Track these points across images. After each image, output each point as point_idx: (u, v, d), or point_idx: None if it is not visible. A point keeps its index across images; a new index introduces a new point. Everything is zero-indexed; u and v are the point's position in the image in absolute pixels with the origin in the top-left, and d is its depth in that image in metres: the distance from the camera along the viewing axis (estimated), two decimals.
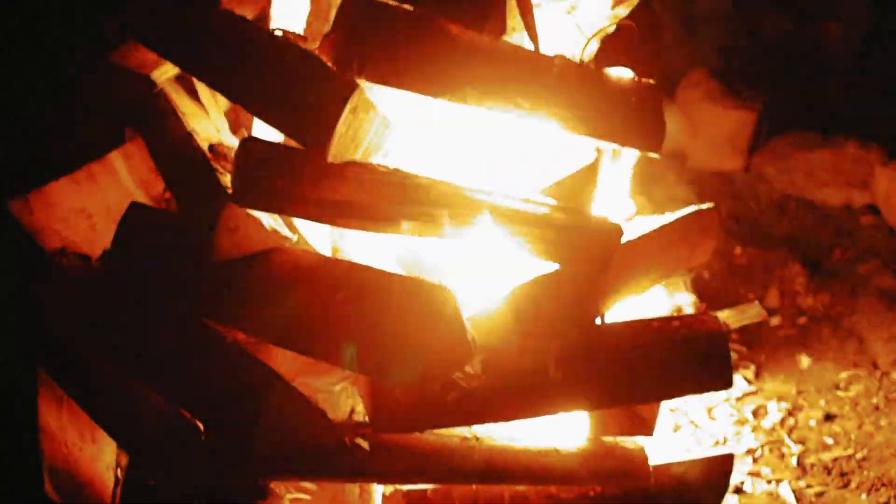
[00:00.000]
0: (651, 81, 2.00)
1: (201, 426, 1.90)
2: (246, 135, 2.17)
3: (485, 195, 1.76)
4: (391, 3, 1.75)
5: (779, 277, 4.04)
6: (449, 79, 1.76)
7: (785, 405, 3.37)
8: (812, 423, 3.30)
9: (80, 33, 2.24)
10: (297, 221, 1.94)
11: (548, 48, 1.98)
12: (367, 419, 1.92)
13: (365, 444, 1.88)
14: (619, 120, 1.95)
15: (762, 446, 3.19)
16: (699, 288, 3.85)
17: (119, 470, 2.22)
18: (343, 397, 2.06)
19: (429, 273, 1.84)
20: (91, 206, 2.14)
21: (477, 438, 1.99)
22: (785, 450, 3.17)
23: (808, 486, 3.02)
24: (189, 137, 1.99)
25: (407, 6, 1.75)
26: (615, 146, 2.02)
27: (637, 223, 2.24)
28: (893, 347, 3.60)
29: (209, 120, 2.17)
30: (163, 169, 2.09)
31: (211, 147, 1.96)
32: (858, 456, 3.14)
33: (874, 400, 3.38)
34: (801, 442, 3.21)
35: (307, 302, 1.75)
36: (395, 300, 1.73)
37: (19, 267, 2.08)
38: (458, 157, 1.97)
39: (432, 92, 1.76)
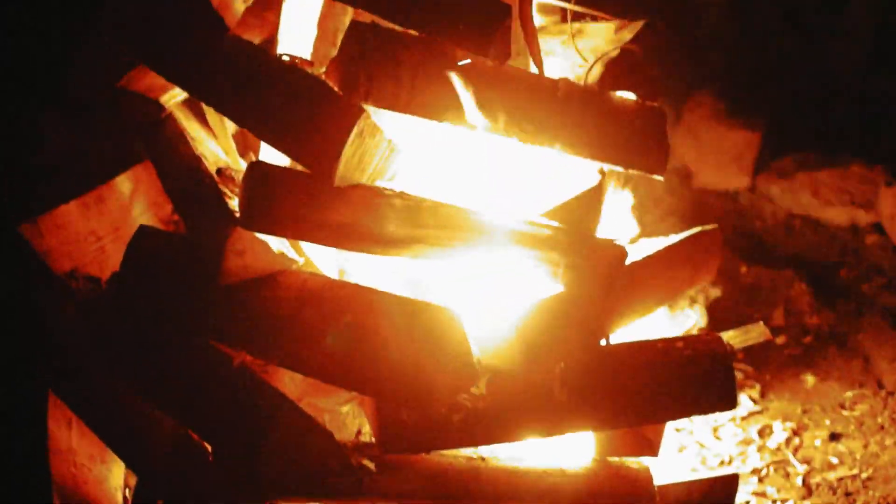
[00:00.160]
0: (655, 104, 2.02)
1: (209, 447, 1.91)
2: (254, 158, 2.19)
3: (490, 218, 1.78)
4: (397, 28, 1.77)
5: (784, 297, 4.04)
6: (454, 103, 1.77)
7: (790, 425, 3.37)
8: (817, 442, 3.30)
9: (91, 56, 2.26)
10: (303, 244, 1.96)
11: (552, 72, 1.99)
12: (373, 440, 1.93)
13: (371, 465, 1.89)
14: (622, 143, 1.96)
15: (767, 466, 3.19)
16: (703, 307, 3.85)
17: (128, 490, 2.23)
18: (349, 418, 2.08)
19: (434, 295, 1.86)
20: (100, 228, 2.16)
21: (483, 459, 2.00)
22: (790, 469, 3.17)
23: None
24: (197, 161, 2.01)
25: (412, 31, 1.77)
26: (619, 168, 2.03)
27: (641, 245, 2.25)
28: None
29: (217, 143, 2.19)
30: (171, 192, 2.10)
31: (219, 170, 1.97)
32: (864, 475, 3.13)
33: (879, 419, 3.38)
34: (807, 461, 3.21)
35: (314, 324, 1.77)
36: (401, 322, 1.74)
37: (30, 289, 2.10)
38: (464, 179, 1.98)
39: (437, 116, 1.78)
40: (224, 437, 1.84)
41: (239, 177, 1.88)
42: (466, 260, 1.78)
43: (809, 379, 3.59)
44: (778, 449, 3.27)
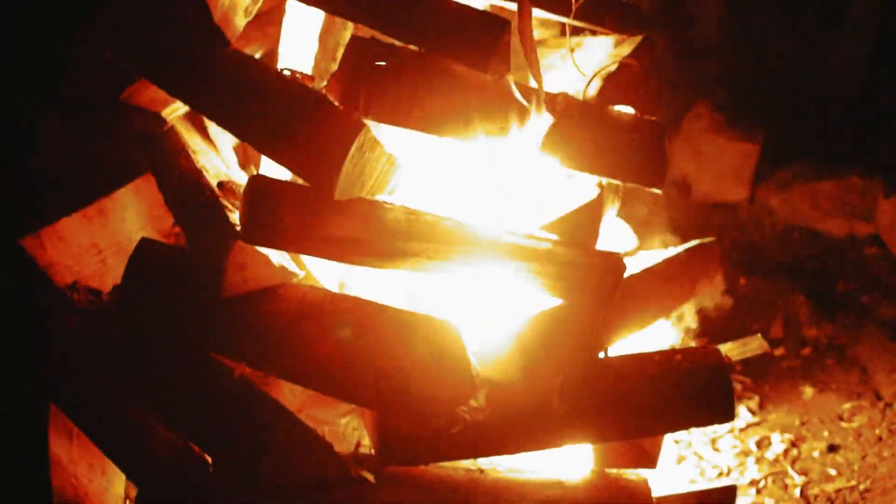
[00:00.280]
0: (653, 118, 2.03)
1: (209, 458, 1.92)
2: (254, 171, 2.20)
3: (489, 231, 1.79)
4: (397, 43, 1.78)
5: (783, 308, 4.05)
6: (454, 118, 1.79)
7: (788, 436, 3.37)
8: (815, 454, 3.30)
9: (91, 56, 2.26)
10: (304, 257, 1.97)
11: (551, 86, 2.00)
12: (373, 451, 1.93)
13: (371, 477, 1.89)
14: (621, 156, 1.97)
15: (766, 477, 3.19)
16: (702, 319, 3.86)
17: (128, 501, 2.24)
18: (349, 430, 2.08)
19: (434, 308, 1.86)
20: (102, 241, 2.16)
21: (482, 471, 2.00)
22: (788, 481, 3.18)
23: None
24: (198, 174, 2.01)
25: (412, 47, 1.78)
26: (618, 182, 2.04)
27: (640, 258, 2.26)
28: None
29: (218, 156, 2.20)
30: (172, 205, 2.10)
31: (220, 184, 1.98)
32: (861, 487, 3.14)
33: (877, 431, 3.38)
34: (805, 473, 3.21)
35: (314, 337, 1.78)
36: (401, 335, 1.75)
37: (31, 301, 2.10)
38: (463, 193, 1.99)
39: (438, 131, 1.79)
40: (224, 449, 1.85)
41: (240, 190, 1.89)
42: (466, 273, 1.79)
43: (808, 390, 3.59)
44: (776, 460, 3.27)
